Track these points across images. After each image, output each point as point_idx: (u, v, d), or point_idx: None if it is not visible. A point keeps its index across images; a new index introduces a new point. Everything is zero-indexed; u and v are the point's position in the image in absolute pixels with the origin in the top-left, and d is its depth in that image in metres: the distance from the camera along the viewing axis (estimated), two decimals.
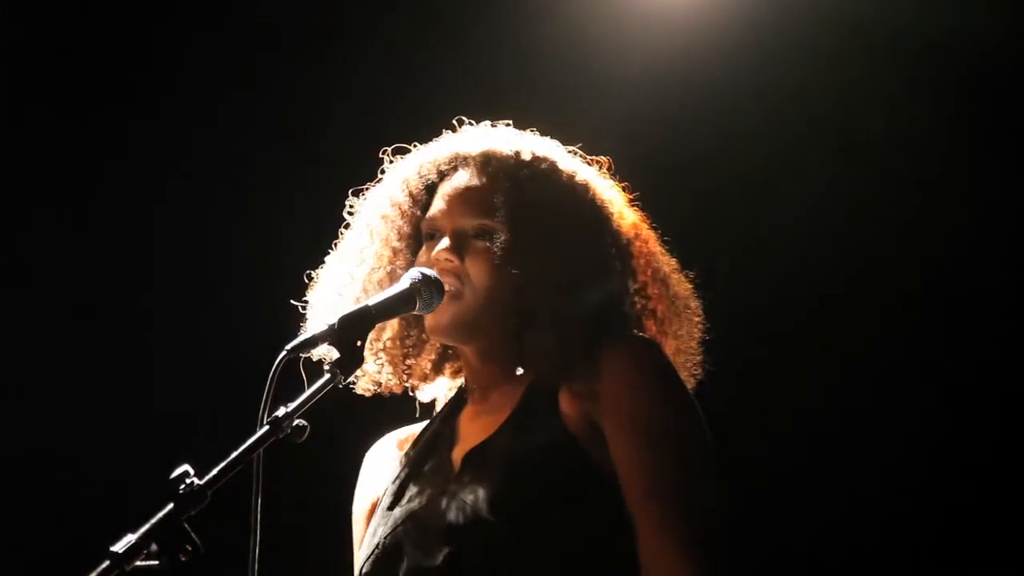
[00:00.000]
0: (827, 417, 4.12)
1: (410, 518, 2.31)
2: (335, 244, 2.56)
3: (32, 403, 4.39)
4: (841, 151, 4.16)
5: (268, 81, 4.49)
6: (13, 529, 4.35)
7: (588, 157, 2.54)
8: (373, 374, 2.51)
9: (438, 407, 2.57)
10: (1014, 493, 4.02)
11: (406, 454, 2.48)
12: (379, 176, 2.54)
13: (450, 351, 2.54)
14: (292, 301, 2.50)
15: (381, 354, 2.51)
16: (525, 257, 2.33)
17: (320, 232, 2.62)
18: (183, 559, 1.83)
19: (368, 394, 2.54)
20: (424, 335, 2.49)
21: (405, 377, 2.53)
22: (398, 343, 2.51)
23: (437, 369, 2.55)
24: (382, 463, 2.53)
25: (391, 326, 2.50)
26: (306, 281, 2.53)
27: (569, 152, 2.51)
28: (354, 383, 2.49)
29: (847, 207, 4.16)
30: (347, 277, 2.48)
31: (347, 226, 2.54)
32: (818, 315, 4.16)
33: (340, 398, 2.22)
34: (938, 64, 4.09)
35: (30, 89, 4.45)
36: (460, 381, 2.54)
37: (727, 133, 4.20)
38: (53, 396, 4.41)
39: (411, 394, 2.57)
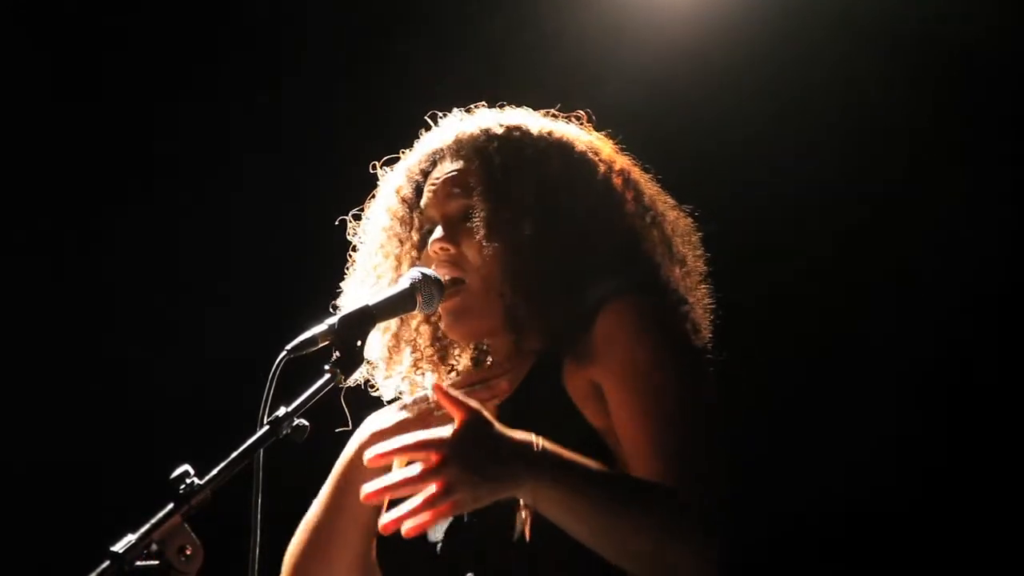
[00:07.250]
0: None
1: None
2: (343, 245, 2.55)
3: (32, 403, 4.40)
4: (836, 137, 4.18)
5: (268, 82, 4.50)
6: (13, 529, 4.35)
7: (566, 116, 2.51)
8: (421, 382, 2.50)
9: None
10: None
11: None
12: (375, 188, 2.54)
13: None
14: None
15: (422, 363, 2.50)
16: (508, 228, 2.34)
17: (322, 231, 2.62)
18: (183, 559, 1.83)
19: None
20: None
21: (448, 379, 2.52)
22: (434, 345, 2.51)
23: (477, 363, 2.53)
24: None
25: (424, 330, 2.50)
26: (311, 288, 2.52)
27: (548, 116, 2.50)
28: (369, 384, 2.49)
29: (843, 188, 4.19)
30: (368, 297, 2.46)
31: (354, 248, 2.54)
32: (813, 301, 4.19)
33: (334, 397, 2.22)
34: (930, 54, 4.11)
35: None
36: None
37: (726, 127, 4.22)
38: (53, 397, 4.42)
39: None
